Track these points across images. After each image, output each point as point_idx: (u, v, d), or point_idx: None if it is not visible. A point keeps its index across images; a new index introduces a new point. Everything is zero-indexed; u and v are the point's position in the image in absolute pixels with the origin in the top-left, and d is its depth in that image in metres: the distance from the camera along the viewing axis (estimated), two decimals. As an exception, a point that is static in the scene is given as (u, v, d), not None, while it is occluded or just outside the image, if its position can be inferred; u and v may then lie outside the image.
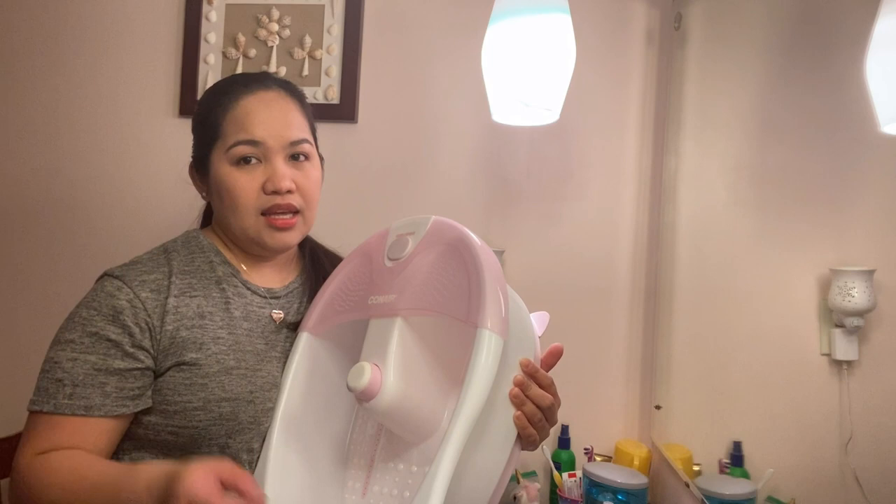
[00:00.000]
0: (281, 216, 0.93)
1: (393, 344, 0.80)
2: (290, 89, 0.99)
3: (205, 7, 1.54)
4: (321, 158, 1.03)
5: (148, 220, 1.54)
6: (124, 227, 1.55)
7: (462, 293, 0.78)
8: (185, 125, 1.54)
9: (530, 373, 0.81)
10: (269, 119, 0.93)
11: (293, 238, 0.96)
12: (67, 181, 1.57)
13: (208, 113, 0.97)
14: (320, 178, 1.00)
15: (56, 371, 0.86)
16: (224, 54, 1.54)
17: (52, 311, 1.55)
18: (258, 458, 0.90)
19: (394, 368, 0.79)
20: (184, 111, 1.54)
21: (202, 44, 1.54)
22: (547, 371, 0.86)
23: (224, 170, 0.93)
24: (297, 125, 0.96)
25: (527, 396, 0.80)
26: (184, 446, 0.89)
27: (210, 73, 1.53)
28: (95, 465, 0.82)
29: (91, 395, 0.85)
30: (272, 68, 1.52)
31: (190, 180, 1.02)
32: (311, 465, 0.89)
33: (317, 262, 1.05)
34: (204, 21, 1.54)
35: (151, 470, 0.75)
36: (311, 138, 0.98)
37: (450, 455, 0.70)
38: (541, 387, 0.82)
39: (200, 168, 0.99)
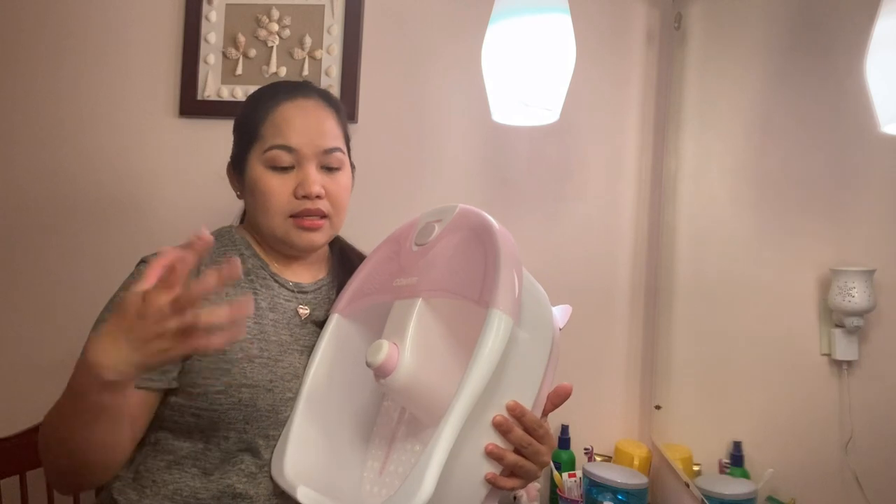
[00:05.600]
0: (309, 218, 0.97)
1: (411, 324, 0.82)
2: (328, 99, 1.03)
3: (205, 7, 1.54)
4: (353, 166, 1.07)
5: (148, 220, 1.54)
6: (124, 226, 1.55)
7: (479, 276, 0.79)
8: (186, 125, 1.56)
9: (517, 416, 0.78)
10: (305, 127, 0.97)
11: (319, 239, 1.00)
12: (67, 181, 1.56)
13: (250, 115, 1.01)
14: (350, 185, 1.04)
15: None
16: (224, 54, 1.53)
17: (53, 312, 1.56)
18: (274, 444, 0.93)
19: (410, 347, 0.80)
20: (184, 111, 1.54)
21: (202, 44, 1.53)
22: (551, 410, 0.85)
23: (259, 171, 0.98)
24: (331, 134, 1.00)
25: (508, 439, 0.78)
26: (204, 429, 0.92)
27: (210, 73, 1.53)
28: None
29: None
30: (272, 68, 1.52)
31: (216, 181, 1.08)
32: (332, 440, 0.92)
33: (346, 262, 1.09)
34: (204, 21, 1.54)
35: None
36: (343, 147, 1.02)
37: (448, 432, 0.69)
38: (526, 430, 0.79)
39: (237, 167, 1.03)
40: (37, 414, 1.31)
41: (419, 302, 0.84)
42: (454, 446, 0.70)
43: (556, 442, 0.85)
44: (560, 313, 0.89)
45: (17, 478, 1.25)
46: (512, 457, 0.78)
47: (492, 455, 0.76)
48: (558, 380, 0.84)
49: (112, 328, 0.69)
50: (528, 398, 0.80)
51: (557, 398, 0.85)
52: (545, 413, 0.84)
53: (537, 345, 0.81)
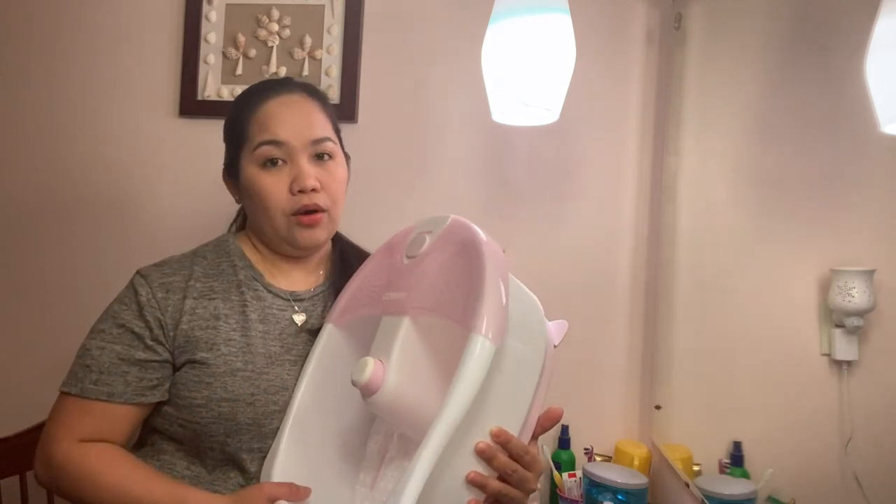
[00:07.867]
0: (307, 215, 0.97)
1: (398, 342, 0.80)
2: (311, 92, 1.02)
3: (205, 7, 1.53)
4: (347, 157, 1.07)
5: (147, 220, 1.54)
6: (123, 226, 1.55)
7: (464, 295, 0.77)
8: (185, 125, 1.56)
9: (501, 442, 0.76)
10: (290, 119, 0.96)
11: (320, 235, 0.99)
12: (66, 182, 1.56)
13: (235, 119, 1.00)
14: (346, 176, 1.03)
15: (86, 357, 0.93)
16: (224, 54, 1.53)
17: (52, 312, 1.56)
18: (262, 457, 0.92)
19: (396, 366, 0.79)
20: (184, 111, 1.54)
21: (202, 44, 1.53)
22: (541, 433, 0.83)
23: (252, 172, 0.97)
24: (319, 124, 0.99)
25: (491, 466, 0.76)
26: (189, 440, 0.93)
27: (210, 73, 1.53)
28: (141, 479, 0.88)
29: (114, 382, 0.91)
30: (272, 68, 1.52)
31: (209, 186, 1.10)
32: (322, 453, 0.91)
33: (345, 266, 1.06)
34: (204, 21, 1.54)
35: (200, 498, 0.86)
36: (334, 137, 1.01)
37: (424, 461, 0.68)
38: (512, 456, 0.77)
39: (232, 173, 1.02)
40: (37, 414, 1.31)
41: (406, 320, 0.82)
42: (434, 473, 0.68)
43: (543, 467, 0.82)
44: (555, 329, 0.86)
45: (17, 478, 1.25)
46: (495, 484, 0.76)
47: (473, 483, 0.75)
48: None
49: None
50: (516, 421, 0.78)
51: (548, 422, 0.83)
52: (535, 436, 0.82)
53: (527, 364, 0.80)
